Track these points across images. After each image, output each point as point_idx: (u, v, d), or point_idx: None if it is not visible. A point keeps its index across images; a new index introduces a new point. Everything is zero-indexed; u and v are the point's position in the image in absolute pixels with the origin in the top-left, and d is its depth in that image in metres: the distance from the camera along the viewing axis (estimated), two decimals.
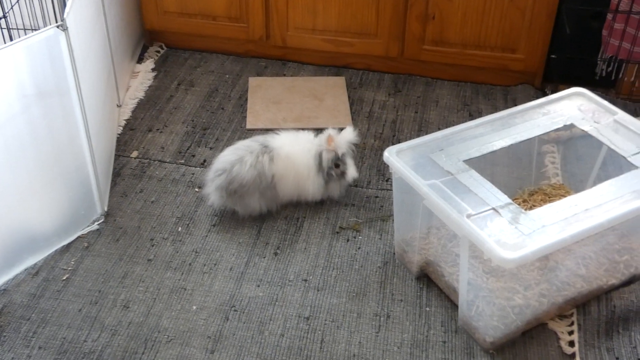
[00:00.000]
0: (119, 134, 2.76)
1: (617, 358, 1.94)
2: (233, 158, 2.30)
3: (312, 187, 2.35)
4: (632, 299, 2.11)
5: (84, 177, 2.28)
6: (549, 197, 2.29)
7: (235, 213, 2.37)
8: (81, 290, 2.12)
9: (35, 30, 2.14)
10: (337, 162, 2.33)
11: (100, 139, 2.41)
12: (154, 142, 2.73)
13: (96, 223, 2.35)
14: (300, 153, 2.33)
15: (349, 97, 3.00)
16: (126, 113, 2.88)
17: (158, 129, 2.80)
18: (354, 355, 1.94)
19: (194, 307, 2.07)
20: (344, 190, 2.44)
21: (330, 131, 2.34)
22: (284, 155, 2.31)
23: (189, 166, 2.61)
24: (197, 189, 2.50)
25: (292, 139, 2.37)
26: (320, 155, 2.33)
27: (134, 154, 2.67)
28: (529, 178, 2.40)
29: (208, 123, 2.84)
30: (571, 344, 1.97)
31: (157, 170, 2.59)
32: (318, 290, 2.13)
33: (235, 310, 2.06)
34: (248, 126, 2.82)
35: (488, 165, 2.16)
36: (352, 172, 2.36)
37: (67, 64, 2.07)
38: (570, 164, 2.47)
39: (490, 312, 1.90)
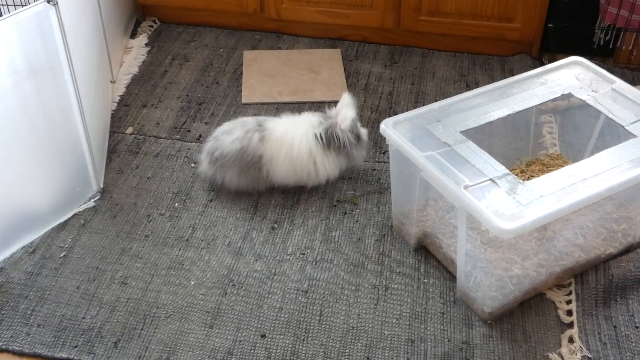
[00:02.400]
0: (113, 110, 2.74)
1: (614, 326, 1.94)
2: (226, 128, 2.31)
3: (325, 167, 2.27)
4: (629, 268, 2.11)
5: (78, 153, 2.26)
6: (547, 167, 2.28)
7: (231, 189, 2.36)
8: (79, 267, 2.12)
9: (25, 5, 2.11)
10: (354, 132, 2.27)
11: (94, 115, 2.39)
12: (149, 118, 2.70)
13: (92, 200, 2.34)
14: (297, 137, 2.25)
15: (344, 69, 2.97)
16: (120, 89, 2.85)
17: (153, 105, 2.78)
18: (353, 327, 1.94)
19: (192, 283, 2.07)
20: (366, 152, 2.38)
21: (333, 120, 2.25)
22: (276, 137, 2.25)
23: (185, 141, 2.59)
24: (193, 165, 2.48)
25: (290, 122, 2.31)
26: (330, 136, 2.24)
27: (129, 130, 2.65)
28: (526, 148, 2.39)
29: (203, 98, 2.81)
30: (569, 313, 1.98)
31: (153, 146, 2.57)
32: (316, 264, 2.13)
33: (233, 285, 2.06)
34: (244, 100, 2.80)
35: (485, 136, 2.14)
36: (363, 131, 2.33)
37: (58, 39, 2.04)
38: (568, 134, 2.46)
39: (488, 283, 1.91)
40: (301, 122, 2.31)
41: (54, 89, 2.10)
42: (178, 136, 2.62)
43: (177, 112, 2.74)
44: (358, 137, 2.30)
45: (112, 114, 2.72)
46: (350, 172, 2.45)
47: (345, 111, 2.26)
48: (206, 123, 2.68)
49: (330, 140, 2.26)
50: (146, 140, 2.59)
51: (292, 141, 2.25)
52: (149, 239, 2.21)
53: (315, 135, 2.26)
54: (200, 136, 2.61)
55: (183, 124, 2.68)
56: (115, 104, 2.77)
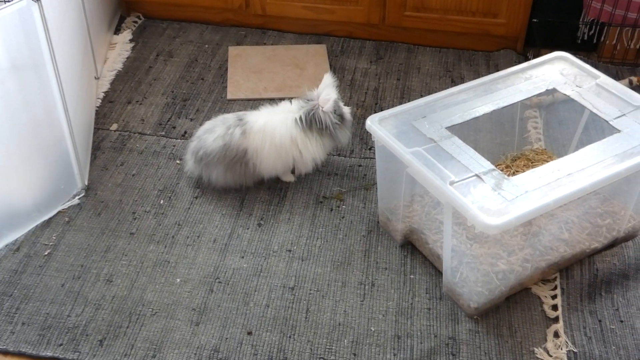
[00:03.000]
0: (97, 107, 2.72)
1: (599, 320, 1.96)
2: (208, 127, 2.31)
3: (308, 150, 2.26)
4: (614, 262, 2.13)
5: (63, 151, 2.24)
6: (532, 163, 2.29)
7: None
8: (63, 265, 2.10)
9: (8, 1, 2.09)
10: (337, 112, 2.27)
11: (79, 112, 2.37)
12: (134, 115, 2.69)
13: (77, 197, 2.32)
14: (277, 125, 2.25)
15: (330, 65, 2.96)
16: (104, 85, 2.83)
17: (137, 101, 2.76)
18: (340, 324, 1.94)
19: (178, 280, 2.06)
20: (350, 132, 2.37)
21: (316, 101, 2.26)
22: (257, 129, 2.24)
23: (170, 138, 2.58)
24: (178, 161, 2.47)
25: (269, 111, 2.31)
26: (312, 119, 2.24)
27: (114, 126, 2.63)
28: (511, 144, 2.40)
29: (188, 94, 2.80)
30: (554, 307, 1.99)
31: (138, 143, 2.55)
32: (302, 260, 2.12)
33: (219, 282, 2.06)
34: (229, 96, 2.78)
35: (471, 132, 2.15)
36: (346, 109, 2.32)
37: (41, 36, 2.02)
38: (553, 129, 2.47)
39: (474, 278, 1.91)
40: (279, 110, 2.31)
41: (38, 85, 2.08)
42: (163, 133, 2.60)
43: (162, 108, 2.72)
44: (341, 117, 2.29)
45: (96, 110, 2.70)
46: (336, 168, 2.45)
47: (327, 92, 2.26)
48: (191, 119, 2.66)
49: (312, 122, 2.25)
50: (131, 137, 2.58)
51: (273, 130, 2.25)
52: (135, 237, 2.20)
53: (295, 119, 2.25)
54: (185, 132, 2.59)
55: (168, 121, 2.66)
56: (100, 101, 2.75)
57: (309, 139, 2.27)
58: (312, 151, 2.28)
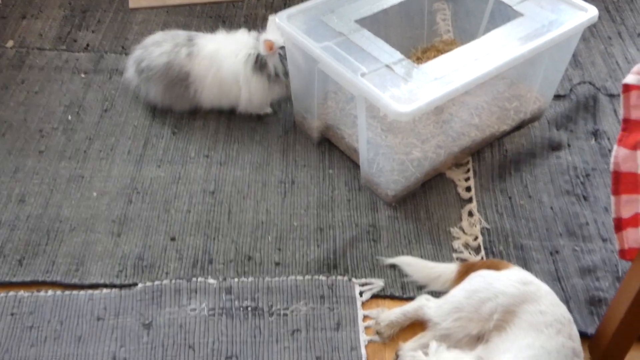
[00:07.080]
0: None
1: (510, 197, 2.05)
2: (158, 39, 2.18)
3: (250, 93, 2.14)
4: (522, 142, 2.21)
5: None
6: (442, 53, 2.32)
7: (126, 97, 2.29)
8: None
9: None
10: (283, 62, 2.12)
11: None
12: (30, 29, 2.54)
13: None
14: (226, 56, 2.12)
15: None
16: None
17: (33, 15, 2.61)
18: (262, 222, 1.96)
19: (95, 194, 2.02)
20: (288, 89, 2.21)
21: (265, 36, 2.08)
22: (204, 54, 2.12)
23: (72, 52, 2.46)
24: (83, 75, 2.37)
25: (223, 38, 2.17)
26: (260, 61, 2.09)
27: (10, 43, 2.48)
28: (421, 36, 2.42)
29: (87, 5, 2.66)
30: (468, 189, 2.06)
31: (38, 59, 2.43)
32: (221, 165, 2.11)
33: (137, 193, 2.03)
34: (131, 5, 2.66)
35: (381, 27, 2.15)
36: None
37: None
38: (461, 20, 2.49)
39: (390, 168, 1.95)
40: (234, 40, 2.16)
41: None
42: (64, 47, 2.48)
43: (60, 21, 2.59)
44: (286, 70, 2.14)
45: None
46: None
47: (275, 37, 2.09)
48: (93, 31, 2.54)
49: (258, 66, 2.11)
50: (29, 53, 2.45)
51: (221, 60, 2.13)
52: (44, 155, 2.12)
53: (249, 54, 2.10)
54: (87, 45, 2.48)
55: (68, 34, 2.53)
56: None
57: (254, 78, 2.13)
58: (252, 92, 2.15)
